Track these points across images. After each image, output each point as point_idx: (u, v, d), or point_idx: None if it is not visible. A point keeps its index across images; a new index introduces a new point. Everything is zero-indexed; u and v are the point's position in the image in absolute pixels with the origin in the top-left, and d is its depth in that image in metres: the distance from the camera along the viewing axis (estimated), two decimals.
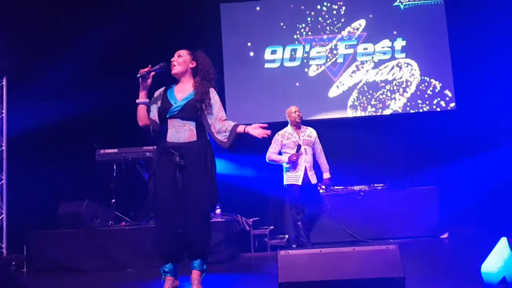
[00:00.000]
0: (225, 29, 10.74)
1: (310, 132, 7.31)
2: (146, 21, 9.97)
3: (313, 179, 7.14)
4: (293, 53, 10.56)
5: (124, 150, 8.26)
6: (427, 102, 10.08)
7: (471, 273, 4.92)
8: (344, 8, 10.51)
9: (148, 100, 4.76)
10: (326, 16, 10.55)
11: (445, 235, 8.60)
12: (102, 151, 8.31)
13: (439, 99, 10.05)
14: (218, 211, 7.88)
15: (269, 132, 4.66)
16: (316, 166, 7.32)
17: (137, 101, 4.75)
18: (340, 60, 10.45)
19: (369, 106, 10.23)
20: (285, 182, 7.23)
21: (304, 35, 10.57)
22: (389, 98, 10.20)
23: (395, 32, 10.33)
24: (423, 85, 10.13)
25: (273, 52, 10.60)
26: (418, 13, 10.29)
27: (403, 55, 10.26)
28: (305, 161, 7.10)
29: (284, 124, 7.38)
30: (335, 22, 10.54)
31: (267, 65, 10.58)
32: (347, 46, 10.45)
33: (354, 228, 8.54)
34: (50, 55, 8.99)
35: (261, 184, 9.52)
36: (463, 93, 9.97)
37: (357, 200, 8.88)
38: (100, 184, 8.47)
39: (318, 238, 7.65)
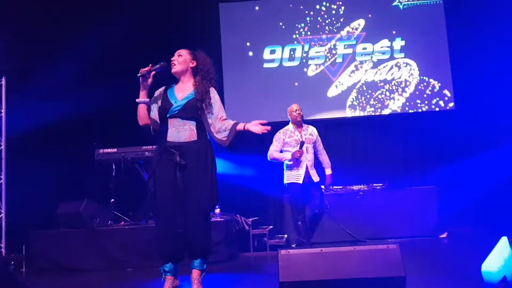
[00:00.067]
0: (224, 28, 10.74)
1: (312, 131, 7.33)
2: (146, 21, 9.97)
3: (315, 177, 7.14)
4: (292, 53, 10.56)
5: (124, 150, 8.25)
6: (426, 102, 10.09)
7: (471, 273, 4.92)
8: (343, 8, 10.51)
9: (148, 99, 4.76)
10: (325, 16, 10.55)
11: (444, 235, 8.60)
12: (101, 150, 8.30)
13: (438, 99, 10.06)
14: (217, 210, 7.87)
15: (269, 127, 4.67)
16: (315, 165, 7.31)
17: (137, 100, 4.74)
18: (339, 60, 10.45)
19: (368, 106, 10.24)
20: (285, 181, 7.22)
21: (303, 35, 10.58)
22: (388, 98, 10.20)
23: (394, 32, 10.34)
24: (422, 85, 10.14)
25: (272, 52, 10.60)
26: (417, 13, 10.30)
27: (402, 55, 10.27)
28: (306, 159, 7.10)
29: (283, 124, 7.39)
30: (334, 22, 10.54)
31: (266, 65, 10.58)
32: (346, 46, 10.46)
33: (353, 228, 8.53)
34: (49, 54, 8.99)
35: (261, 183, 9.53)
36: (462, 93, 9.98)
37: (356, 200, 8.88)
38: (99, 183, 8.48)
39: (317, 238, 7.64)
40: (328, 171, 7.48)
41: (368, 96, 10.25)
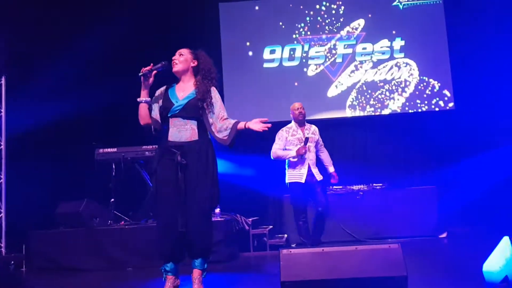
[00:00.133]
0: (224, 28, 10.73)
1: (314, 130, 7.31)
2: (145, 21, 9.97)
3: (318, 176, 7.11)
4: (292, 52, 10.55)
5: (123, 150, 8.24)
6: (426, 102, 10.08)
7: (472, 272, 4.91)
8: (343, 7, 10.50)
9: (149, 98, 4.75)
10: (325, 16, 10.54)
11: (444, 235, 8.60)
12: (101, 150, 8.30)
13: (437, 99, 10.06)
14: (217, 210, 7.87)
15: (269, 125, 4.69)
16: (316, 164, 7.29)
17: (138, 99, 4.74)
18: (339, 60, 10.44)
19: (368, 106, 10.23)
20: (287, 180, 7.18)
21: (303, 35, 10.57)
22: (387, 98, 10.20)
23: (394, 32, 10.33)
24: (421, 85, 10.13)
25: (272, 51, 10.59)
26: (417, 13, 10.29)
27: (402, 55, 10.26)
28: (308, 158, 7.07)
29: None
30: (334, 22, 10.53)
31: (266, 65, 10.57)
32: (346, 46, 10.45)
33: (353, 228, 8.53)
34: (49, 54, 8.98)
35: (261, 183, 9.53)
36: (461, 93, 9.97)
37: (356, 199, 8.88)
38: (99, 183, 8.48)
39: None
40: (331, 169, 7.46)
41: (368, 96, 10.24)
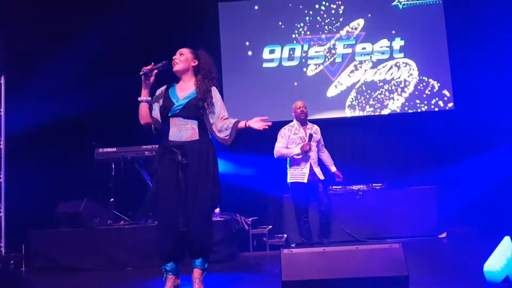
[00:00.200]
0: (224, 28, 10.72)
1: (316, 129, 7.28)
2: (145, 21, 9.97)
3: (320, 176, 7.07)
4: (291, 52, 10.55)
5: (123, 149, 8.24)
6: (426, 102, 10.08)
7: (473, 272, 4.91)
8: (342, 7, 10.50)
9: (150, 98, 4.75)
10: (325, 16, 10.54)
11: (444, 235, 8.62)
12: (100, 150, 8.30)
13: (437, 99, 10.05)
14: (217, 210, 7.85)
15: (270, 123, 4.69)
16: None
17: (139, 99, 4.73)
18: (338, 59, 10.44)
19: (368, 106, 10.22)
20: (289, 180, 7.13)
21: (302, 35, 10.57)
22: (387, 98, 10.19)
23: (393, 32, 10.32)
24: (421, 85, 10.12)
25: (272, 51, 10.59)
26: (416, 13, 10.28)
27: (402, 54, 10.25)
28: (310, 157, 7.03)
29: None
30: (334, 22, 10.53)
31: (265, 65, 10.57)
32: (345, 46, 10.45)
33: (353, 227, 8.49)
34: (49, 54, 8.98)
35: (260, 183, 9.53)
36: (461, 93, 9.96)
37: (356, 199, 8.88)
38: (98, 183, 8.47)
39: (317, 238, 7.61)
40: (333, 168, 7.43)
41: (367, 96, 10.24)
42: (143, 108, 4.75)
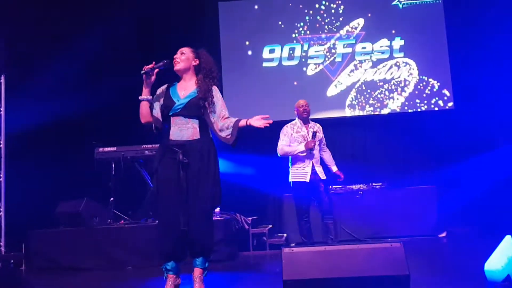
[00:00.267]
0: (223, 27, 10.72)
1: (318, 128, 7.19)
2: (145, 21, 10.01)
3: (322, 175, 6.96)
4: (291, 52, 10.55)
5: (123, 149, 8.24)
6: (425, 102, 10.08)
7: (473, 271, 4.92)
8: (342, 7, 10.50)
9: (151, 97, 4.74)
10: (325, 15, 10.54)
11: (444, 234, 8.63)
12: (101, 149, 8.29)
13: (437, 98, 10.06)
14: (217, 209, 7.86)
15: (270, 121, 4.65)
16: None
17: (140, 97, 4.72)
18: (338, 59, 10.44)
19: (367, 106, 10.23)
20: (291, 179, 7.02)
21: (302, 34, 10.57)
22: (387, 97, 10.20)
23: (393, 31, 10.33)
24: (421, 84, 10.13)
25: (271, 51, 10.59)
26: (416, 12, 10.29)
27: (402, 54, 10.26)
28: (313, 156, 6.94)
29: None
30: (334, 21, 10.53)
31: (265, 64, 10.57)
32: (345, 45, 10.45)
33: (353, 227, 8.49)
34: (49, 54, 8.97)
35: (260, 182, 9.54)
36: (461, 92, 9.96)
37: (356, 199, 8.89)
38: (99, 182, 8.48)
39: (317, 237, 7.59)
40: (334, 168, 7.33)
41: (367, 95, 10.24)
42: (144, 107, 4.73)
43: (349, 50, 10.42)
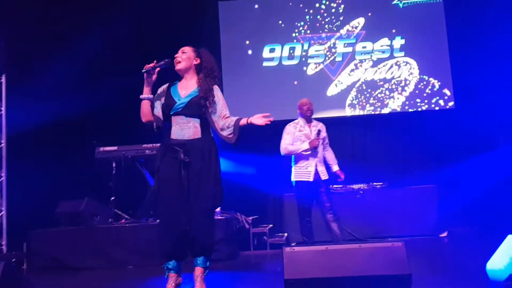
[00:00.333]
0: (224, 27, 10.72)
1: (321, 127, 7.12)
2: (145, 20, 10.01)
3: (324, 175, 6.89)
4: (291, 51, 10.54)
5: (124, 148, 8.25)
6: (426, 101, 10.08)
7: (475, 271, 4.92)
8: (342, 6, 10.49)
9: (152, 96, 4.74)
10: (325, 15, 10.53)
11: (444, 234, 8.62)
12: (101, 149, 8.31)
13: (438, 98, 10.05)
14: (217, 209, 7.85)
15: (271, 119, 4.66)
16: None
17: (141, 96, 4.72)
18: (338, 58, 10.43)
19: (368, 105, 10.22)
20: (293, 178, 6.94)
21: (302, 34, 10.56)
22: (387, 97, 10.19)
23: (394, 31, 10.32)
24: (421, 84, 10.12)
25: (272, 50, 10.59)
26: (416, 12, 10.28)
27: (402, 53, 10.25)
28: (317, 155, 6.88)
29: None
30: (334, 21, 10.52)
31: (265, 64, 10.57)
32: (345, 45, 10.45)
33: (353, 227, 8.46)
34: (49, 54, 8.96)
35: (261, 182, 9.54)
36: (461, 92, 9.95)
37: (356, 198, 8.89)
38: (99, 182, 8.48)
39: (318, 237, 7.57)
40: (335, 167, 7.22)
41: (367, 95, 10.23)
42: (145, 106, 4.73)
43: (350, 49, 10.41)
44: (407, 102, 10.13)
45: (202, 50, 4.94)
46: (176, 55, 4.83)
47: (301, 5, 10.60)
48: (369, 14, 10.41)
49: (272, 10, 10.65)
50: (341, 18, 10.50)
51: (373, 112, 10.22)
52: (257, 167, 9.59)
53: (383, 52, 10.30)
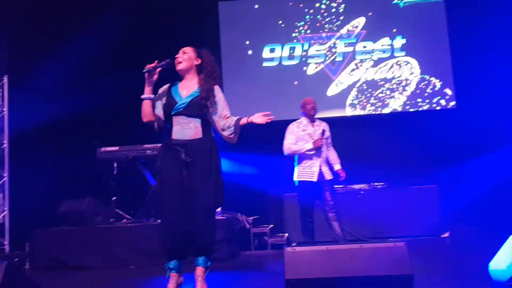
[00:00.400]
0: (224, 27, 10.72)
1: (325, 126, 7.04)
2: (145, 20, 10.00)
3: (328, 175, 6.82)
4: (291, 51, 10.54)
5: (125, 148, 8.26)
6: (427, 101, 10.06)
7: (478, 271, 4.91)
8: (343, 6, 10.49)
9: (153, 95, 4.75)
10: (325, 14, 10.53)
11: (446, 234, 8.61)
12: (103, 149, 8.32)
13: (439, 97, 10.04)
14: (218, 209, 7.85)
15: (272, 117, 4.66)
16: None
17: (142, 96, 4.72)
18: (339, 58, 10.43)
19: (368, 105, 10.21)
20: (296, 178, 6.86)
21: (302, 33, 10.56)
22: (388, 96, 10.18)
23: (394, 30, 10.31)
24: (423, 83, 10.11)
25: (272, 50, 10.59)
26: (417, 11, 10.25)
27: (403, 53, 10.24)
28: (321, 155, 6.82)
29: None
30: (334, 20, 10.52)
31: (265, 64, 10.56)
32: (346, 44, 10.44)
33: (354, 227, 8.42)
34: (51, 53, 8.96)
35: (261, 182, 9.53)
36: (463, 91, 9.92)
37: (357, 199, 8.88)
38: (101, 182, 8.49)
39: (319, 237, 7.57)
40: (337, 166, 7.14)
41: (368, 95, 10.23)
42: (146, 106, 4.73)
43: (350, 49, 10.41)
44: (408, 102, 10.12)
45: (203, 51, 4.95)
46: (177, 55, 4.83)
47: (301, 5, 10.59)
48: (370, 13, 10.40)
49: (272, 10, 10.64)
50: (341, 18, 10.49)
51: (373, 112, 10.21)
52: (258, 167, 9.59)
53: (384, 51, 10.29)
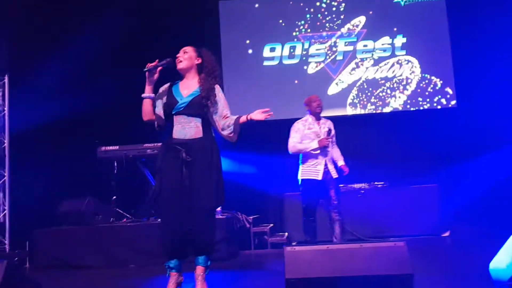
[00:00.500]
0: (224, 26, 10.71)
1: (330, 124, 6.97)
2: (145, 20, 10.00)
3: (334, 173, 6.77)
4: (292, 50, 10.53)
5: (125, 147, 8.26)
6: (428, 100, 10.05)
7: (478, 271, 4.90)
8: (343, 4, 10.47)
9: (154, 94, 4.75)
10: (326, 13, 10.51)
11: (447, 234, 8.59)
12: (103, 148, 8.32)
13: (440, 96, 10.03)
14: (218, 208, 7.85)
15: (271, 113, 4.77)
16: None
17: (142, 95, 4.73)
18: (339, 57, 10.41)
19: (369, 104, 10.21)
20: (301, 176, 6.79)
21: (303, 32, 10.55)
22: (389, 95, 10.17)
23: (395, 29, 10.30)
24: (423, 82, 10.09)
25: (272, 49, 10.57)
26: (418, 10, 10.24)
27: (404, 52, 10.22)
28: (327, 154, 6.76)
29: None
30: (335, 19, 10.50)
31: (266, 63, 10.55)
32: (346, 43, 10.43)
33: (354, 226, 8.44)
34: (52, 53, 8.96)
35: (261, 181, 9.52)
36: (464, 90, 9.91)
37: (358, 198, 8.86)
38: (101, 181, 8.49)
39: (320, 237, 7.55)
40: (341, 162, 7.06)
41: (369, 94, 10.21)
42: (146, 105, 4.74)
43: (351, 48, 10.39)
44: (408, 101, 10.11)
45: (204, 50, 4.96)
46: (178, 55, 4.85)
47: (301, 4, 10.58)
48: (370, 12, 10.39)
49: (273, 9, 10.63)
50: (342, 17, 10.48)
51: (374, 111, 10.20)
52: (258, 167, 9.59)
53: (385, 50, 10.28)
